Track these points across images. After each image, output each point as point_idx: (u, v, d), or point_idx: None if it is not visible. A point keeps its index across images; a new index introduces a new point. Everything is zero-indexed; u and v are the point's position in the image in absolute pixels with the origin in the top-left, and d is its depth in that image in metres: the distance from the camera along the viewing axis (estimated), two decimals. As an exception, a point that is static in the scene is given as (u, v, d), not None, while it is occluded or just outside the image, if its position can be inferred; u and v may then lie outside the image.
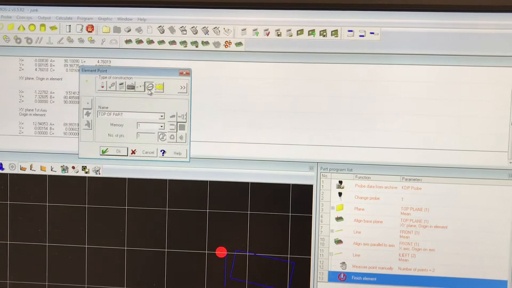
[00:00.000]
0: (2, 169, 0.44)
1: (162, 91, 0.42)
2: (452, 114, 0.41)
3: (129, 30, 0.42)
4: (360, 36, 0.41)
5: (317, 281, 0.42)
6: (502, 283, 0.41)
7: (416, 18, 0.41)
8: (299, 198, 0.42)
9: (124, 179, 0.43)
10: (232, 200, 0.42)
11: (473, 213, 0.41)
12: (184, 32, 0.42)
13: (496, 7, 0.40)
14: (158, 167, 0.43)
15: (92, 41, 0.43)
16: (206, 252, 0.43)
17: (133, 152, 0.43)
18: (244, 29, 0.42)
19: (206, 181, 0.43)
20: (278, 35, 0.41)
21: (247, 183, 0.42)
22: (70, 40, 0.43)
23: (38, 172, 0.44)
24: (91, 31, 0.43)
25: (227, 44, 0.42)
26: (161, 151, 0.43)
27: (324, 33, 0.41)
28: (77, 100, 0.43)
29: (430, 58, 0.41)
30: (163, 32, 0.42)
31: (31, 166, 0.44)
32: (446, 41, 0.40)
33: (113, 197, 0.43)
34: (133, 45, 0.42)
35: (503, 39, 0.40)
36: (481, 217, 0.41)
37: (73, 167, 0.43)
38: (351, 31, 0.41)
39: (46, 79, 0.43)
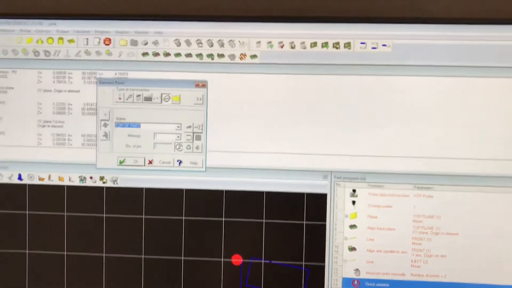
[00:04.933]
0: (21, 179, 0.45)
1: (178, 102, 0.43)
2: (463, 123, 0.42)
3: (146, 43, 0.43)
4: (373, 48, 0.42)
5: (331, 288, 0.43)
6: (512, 288, 0.42)
7: (427, 31, 0.42)
8: (313, 206, 0.43)
9: (141, 189, 0.44)
10: (248, 209, 0.43)
11: (484, 220, 0.42)
12: (200, 44, 0.43)
13: (507, 20, 0.41)
14: (174, 177, 0.44)
15: (109, 53, 0.44)
16: (222, 260, 0.44)
17: (150, 162, 0.44)
18: (259, 42, 0.43)
19: (222, 190, 0.43)
20: (292, 48, 0.42)
21: (262, 192, 0.43)
22: (87, 53, 0.44)
23: (56, 182, 0.44)
24: (108, 44, 0.44)
25: (242, 56, 0.43)
26: (177, 161, 0.44)
27: (337, 46, 0.42)
28: (95, 111, 0.44)
29: (441, 69, 0.42)
30: (179, 45, 0.43)
31: (49, 177, 0.44)
32: (457, 52, 0.41)
33: (131, 206, 0.44)
34: (150, 57, 0.43)
35: (512, 51, 0.41)
36: (492, 224, 0.42)
37: (91, 178, 0.44)
38: (363, 43, 0.42)
39: (64, 91, 0.44)
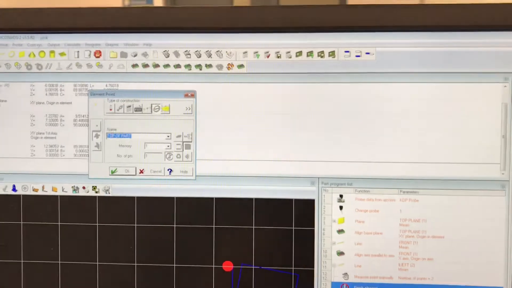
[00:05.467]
0: (15, 190, 0.45)
1: (168, 112, 0.44)
2: (446, 129, 0.43)
3: (135, 55, 0.44)
4: (356, 56, 0.43)
5: (321, 292, 0.44)
6: (498, 290, 0.43)
7: (409, 38, 0.43)
8: (302, 212, 0.44)
9: (133, 197, 0.45)
10: (237, 216, 0.44)
11: (468, 222, 0.43)
12: (188, 56, 0.44)
13: (485, 27, 0.42)
14: (165, 186, 0.45)
15: (100, 66, 0.45)
16: (213, 266, 0.44)
17: (141, 171, 0.45)
18: (246, 52, 0.44)
19: (212, 198, 0.44)
20: (278, 57, 0.43)
21: (251, 199, 0.44)
22: (78, 65, 0.45)
23: (50, 193, 0.45)
24: (99, 57, 0.45)
25: (230, 66, 0.44)
26: (168, 170, 0.44)
27: (322, 54, 0.43)
28: (87, 123, 0.45)
29: (423, 75, 0.43)
30: (168, 56, 0.44)
31: (43, 187, 0.45)
32: (439, 59, 0.42)
33: (123, 215, 0.45)
34: (140, 69, 0.44)
35: (493, 57, 0.42)
36: (476, 226, 0.43)
37: (84, 187, 0.45)
38: (347, 52, 0.43)
39: (56, 103, 0.45)
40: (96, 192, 0.45)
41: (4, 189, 0.45)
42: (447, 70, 0.42)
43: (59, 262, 0.45)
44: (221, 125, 0.44)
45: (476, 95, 0.42)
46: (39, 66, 0.45)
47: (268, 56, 0.43)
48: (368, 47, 0.43)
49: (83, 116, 0.45)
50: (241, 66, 0.44)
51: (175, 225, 0.44)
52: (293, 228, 0.44)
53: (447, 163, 0.43)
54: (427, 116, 0.43)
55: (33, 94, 0.45)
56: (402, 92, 0.43)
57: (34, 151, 0.45)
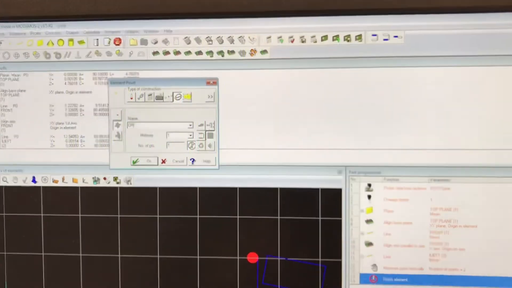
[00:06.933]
0: (35, 182, 0.45)
1: (190, 100, 0.43)
2: (479, 114, 0.41)
3: (156, 42, 0.43)
4: (384, 39, 0.41)
5: (349, 284, 0.43)
6: (533, 281, 0.41)
7: (439, 21, 0.41)
8: (329, 202, 0.43)
9: (155, 188, 0.44)
10: (262, 206, 0.43)
11: (502, 211, 0.41)
12: (210, 42, 0.43)
13: (519, 7, 0.40)
14: (188, 176, 0.43)
15: (119, 54, 0.43)
16: (238, 258, 0.43)
17: (163, 161, 0.44)
18: (269, 37, 0.42)
19: (236, 188, 0.43)
20: (303, 42, 0.42)
21: (276, 188, 0.43)
22: (98, 53, 0.44)
23: (70, 184, 0.44)
24: (118, 44, 0.43)
25: (253, 52, 0.42)
26: (190, 159, 0.43)
27: (348, 38, 0.42)
28: (107, 112, 0.44)
29: (455, 59, 0.41)
30: (189, 42, 0.43)
31: (63, 179, 0.44)
32: (470, 42, 0.41)
33: (145, 206, 0.44)
34: (160, 56, 0.43)
35: (527, 38, 0.40)
36: (510, 216, 0.41)
37: (105, 178, 0.44)
38: (375, 35, 0.41)
39: (76, 92, 0.44)
40: (118, 183, 0.44)
41: (24, 181, 0.45)
42: (479, 53, 0.41)
43: (80, 254, 0.44)
44: (244, 113, 0.43)
45: (511, 79, 0.40)
46: (57, 55, 0.44)
47: (292, 41, 0.42)
48: (396, 30, 0.41)
49: (103, 106, 0.44)
50: (264, 51, 0.42)
51: (198, 216, 0.43)
52: (320, 218, 0.43)
53: (480, 150, 0.41)
54: (459, 101, 0.41)
55: (52, 84, 0.44)
56: (432, 77, 0.41)
57: (53, 141, 0.44)
